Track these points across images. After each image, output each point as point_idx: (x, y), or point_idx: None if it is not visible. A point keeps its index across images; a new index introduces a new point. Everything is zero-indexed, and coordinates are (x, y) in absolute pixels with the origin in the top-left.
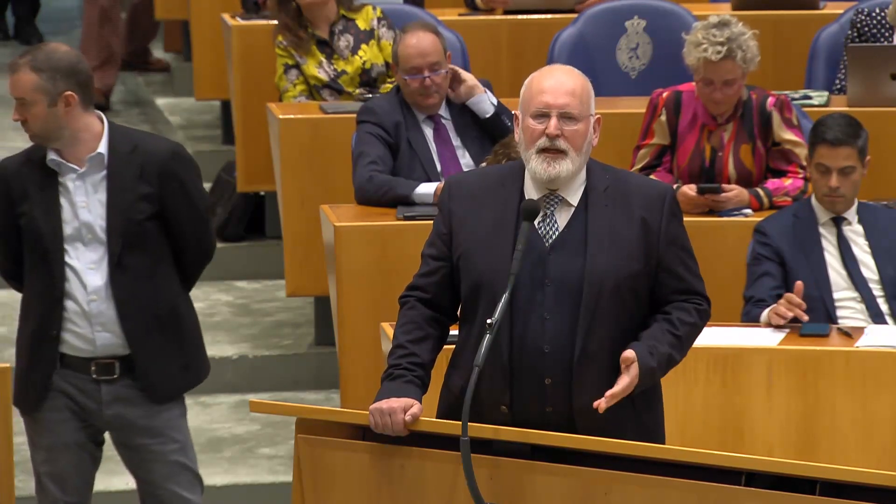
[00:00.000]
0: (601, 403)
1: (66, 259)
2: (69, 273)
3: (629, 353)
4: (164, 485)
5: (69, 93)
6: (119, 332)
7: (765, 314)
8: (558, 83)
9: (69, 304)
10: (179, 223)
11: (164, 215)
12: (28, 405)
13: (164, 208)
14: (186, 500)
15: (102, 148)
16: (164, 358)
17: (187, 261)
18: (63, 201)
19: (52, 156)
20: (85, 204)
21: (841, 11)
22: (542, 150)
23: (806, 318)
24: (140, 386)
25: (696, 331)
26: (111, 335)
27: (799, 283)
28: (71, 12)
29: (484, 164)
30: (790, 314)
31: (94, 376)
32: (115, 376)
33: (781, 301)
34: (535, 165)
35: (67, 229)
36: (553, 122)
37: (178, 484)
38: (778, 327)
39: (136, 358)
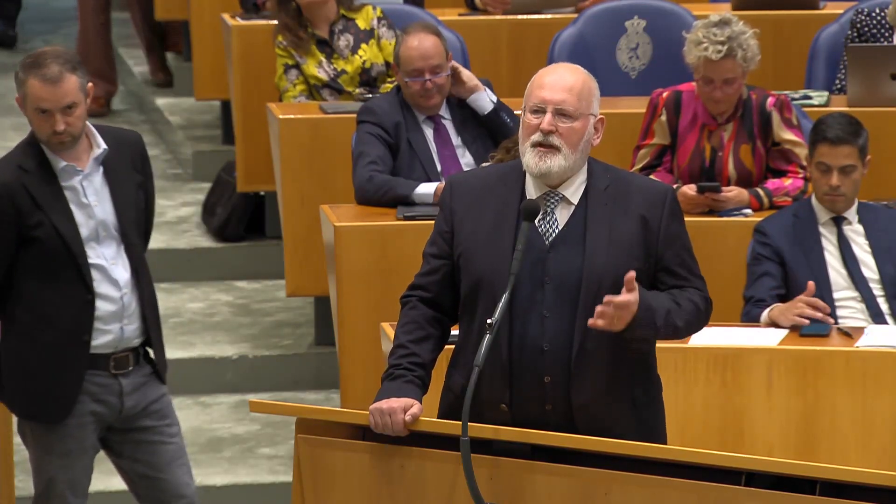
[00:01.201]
0: (599, 311)
1: (89, 260)
2: (95, 273)
3: (632, 274)
4: (167, 468)
5: (91, 84)
6: (139, 323)
7: (765, 314)
8: (558, 80)
9: (100, 303)
10: (149, 207)
11: (145, 202)
12: (53, 416)
13: (146, 195)
14: (187, 484)
15: (104, 144)
16: (161, 341)
17: (145, 245)
18: (72, 205)
19: (62, 162)
20: (96, 203)
21: (841, 11)
22: (536, 145)
23: (832, 321)
24: (150, 370)
25: (698, 311)
26: (134, 326)
27: (811, 284)
28: (70, 12)
29: (490, 160)
30: (817, 314)
31: (113, 371)
32: (131, 368)
33: (801, 298)
34: (528, 159)
35: (84, 231)
36: (547, 117)
37: (180, 468)
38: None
39: (152, 343)
